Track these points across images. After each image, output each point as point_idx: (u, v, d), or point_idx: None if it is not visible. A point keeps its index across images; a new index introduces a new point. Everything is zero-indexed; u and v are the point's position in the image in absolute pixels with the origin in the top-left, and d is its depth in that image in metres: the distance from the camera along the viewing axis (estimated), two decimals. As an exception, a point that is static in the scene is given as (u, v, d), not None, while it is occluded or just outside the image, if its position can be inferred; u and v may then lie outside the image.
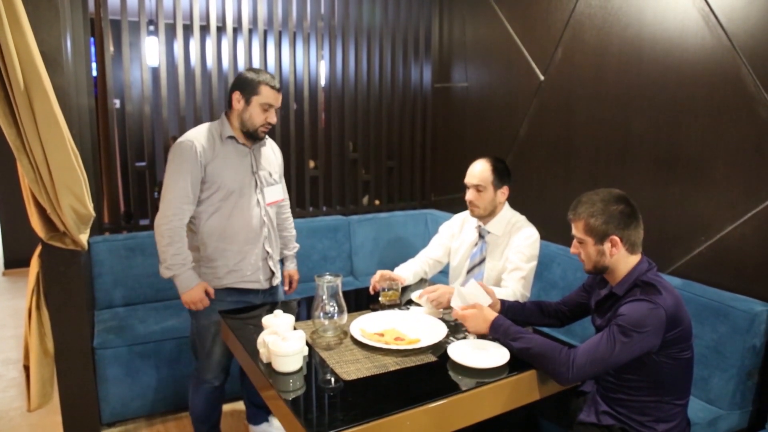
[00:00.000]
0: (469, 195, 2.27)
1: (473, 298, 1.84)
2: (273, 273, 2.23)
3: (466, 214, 2.40)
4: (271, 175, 2.21)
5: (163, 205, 2.00)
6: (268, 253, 2.19)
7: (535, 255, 2.21)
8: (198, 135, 2.05)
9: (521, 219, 2.31)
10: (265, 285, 2.20)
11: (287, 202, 2.46)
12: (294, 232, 2.49)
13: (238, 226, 2.09)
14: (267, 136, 2.27)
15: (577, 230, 1.67)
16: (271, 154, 2.26)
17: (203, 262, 2.11)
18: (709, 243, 2.21)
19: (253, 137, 2.10)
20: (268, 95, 2.03)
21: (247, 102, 2.03)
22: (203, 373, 2.18)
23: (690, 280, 2.23)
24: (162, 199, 2.01)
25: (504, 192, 2.28)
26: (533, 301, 1.99)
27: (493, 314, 1.76)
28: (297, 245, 2.51)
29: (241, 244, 2.11)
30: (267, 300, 2.24)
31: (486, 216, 2.30)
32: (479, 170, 2.25)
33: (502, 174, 2.25)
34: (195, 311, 2.14)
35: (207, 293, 2.06)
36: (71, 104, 2.26)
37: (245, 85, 2.03)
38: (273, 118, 2.07)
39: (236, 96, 2.04)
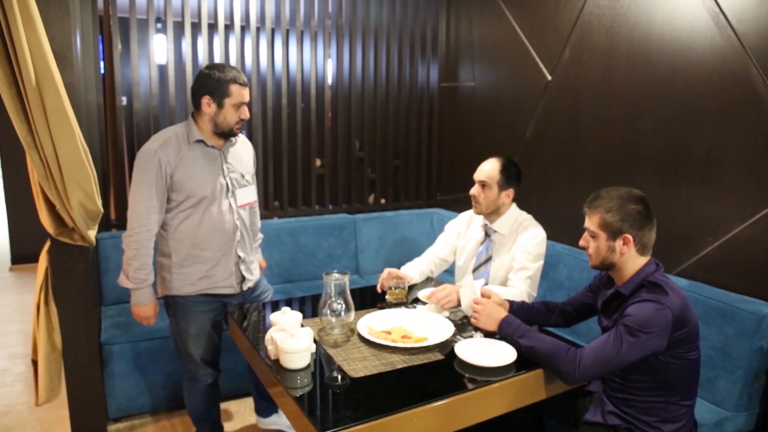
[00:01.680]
0: (473, 190, 2.29)
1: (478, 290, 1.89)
2: (244, 278, 2.18)
3: (472, 212, 2.40)
4: (243, 176, 2.15)
5: (130, 218, 1.96)
6: (240, 257, 2.15)
7: (541, 254, 2.21)
8: (161, 141, 1.97)
9: (528, 218, 2.31)
10: (237, 289, 2.17)
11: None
12: (258, 224, 2.41)
13: (211, 233, 2.05)
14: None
15: (590, 223, 1.66)
16: (243, 151, 2.20)
17: (175, 268, 2.06)
18: (716, 244, 2.21)
19: (227, 136, 2.05)
20: (239, 94, 1.98)
21: (219, 105, 1.97)
22: (192, 372, 2.17)
23: (697, 281, 2.23)
24: (129, 211, 1.96)
25: (509, 194, 2.28)
26: (540, 301, 1.99)
27: (503, 312, 1.78)
28: (261, 235, 2.43)
29: (214, 250, 2.07)
30: (246, 301, 2.20)
31: (488, 214, 2.31)
32: (488, 168, 2.26)
33: (510, 176, 2.25)
34: (174, 313, 2.12)
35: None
36: (80, 101, 2.27)
37: (215, 88, 1.95)
38: (246, 114, 2.03)
39: (206, 100, 1.96)
